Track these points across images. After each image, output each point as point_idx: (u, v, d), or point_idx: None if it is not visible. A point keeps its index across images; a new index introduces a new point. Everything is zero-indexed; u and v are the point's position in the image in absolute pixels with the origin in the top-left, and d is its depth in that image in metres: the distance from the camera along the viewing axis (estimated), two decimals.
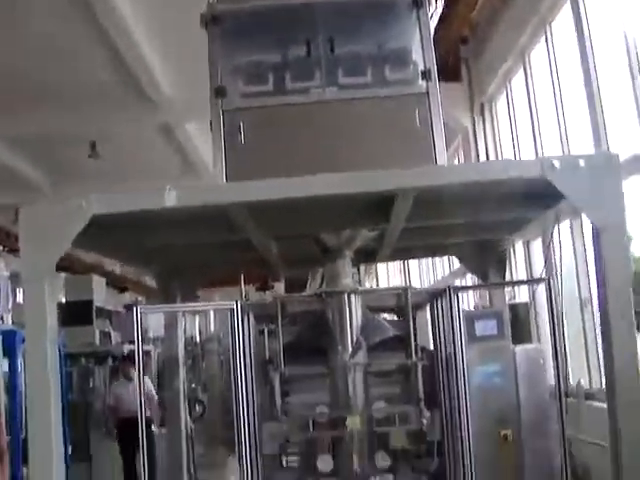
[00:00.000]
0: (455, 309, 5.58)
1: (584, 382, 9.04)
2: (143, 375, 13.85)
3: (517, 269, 11.02)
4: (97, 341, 20.62)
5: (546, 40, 10.56)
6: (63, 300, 20.59)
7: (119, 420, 15.69)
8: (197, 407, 11.40)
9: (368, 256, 7.22)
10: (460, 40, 13.79)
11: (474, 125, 13.76)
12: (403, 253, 7.64)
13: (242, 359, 5.81)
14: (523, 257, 10.82)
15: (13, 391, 10.19)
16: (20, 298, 12.35)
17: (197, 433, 11.03)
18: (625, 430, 4.64)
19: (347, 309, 6.08)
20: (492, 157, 13.24)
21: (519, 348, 6.58)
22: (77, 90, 14.96)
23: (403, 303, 6.31)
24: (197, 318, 22.06)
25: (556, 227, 7.48)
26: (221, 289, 15.43)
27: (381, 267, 24.07)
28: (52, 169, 20.62)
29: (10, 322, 11.99)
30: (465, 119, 13.90)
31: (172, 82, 15.14)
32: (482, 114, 13.71)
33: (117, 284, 29.72)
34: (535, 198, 5.60)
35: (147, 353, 18.19)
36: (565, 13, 9.91)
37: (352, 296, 6.10)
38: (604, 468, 7.75)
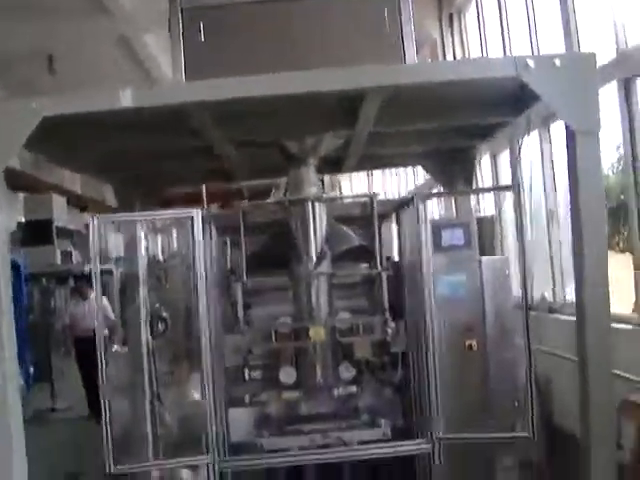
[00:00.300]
0: (422, 217, 5.41)
1: (548, 295, 9.01)
2: (101, 294, 13.65)
3: (484, 183, 10.87)
4: (58, 261, 20.34)
5: None
6: (23, 220, 20.20)
7: (75, 339, 15.60)
8: (160, 324, 11.24)
9: (334, 165, 7.02)
10: None
11: (442, 36, 13.46)
12: (369, 162, 7.42)
13: (204, 271, 5.63)
14: (490, 171, 10.67)
15: None
16: None
17: (160, 350, 10.91)
18: (591, 344, 4.54)
19: (311, 218, 5.88)
20: None
21: (485, 259, 6.49)
22: (32, 2, 14.35)
23: (369, 212, 6.15)
24: (160, 237, 21.81)
25: (525, 137, 7.39)
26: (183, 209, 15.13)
27: (345, 183, 23.89)
28: (7, 86, 19.95)
29: None
30: (434, 30, 13.58)
31: None
32: (451, 25, 13.41)
33: (78, 204, 29.26)
34: (507, 102, 5.40)
35: (109, 272, 17.93)
36: None
37: (316, 204, 5.91)
38: (565, 379, 7.83)
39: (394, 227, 6.97)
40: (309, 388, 5.98)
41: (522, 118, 5.73)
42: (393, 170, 16.22)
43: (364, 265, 6.32)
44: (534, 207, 9.04)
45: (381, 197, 6.44)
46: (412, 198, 5.66)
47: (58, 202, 21.18)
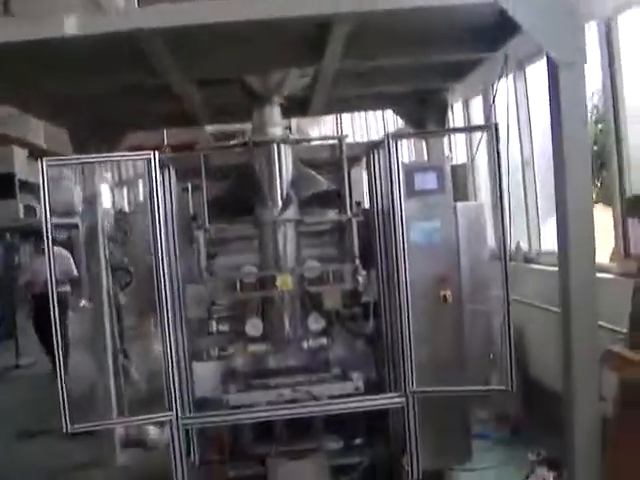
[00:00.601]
0: (394, 159, 5.09)
1: (523, 245, 8.75)
2: (65, 248, 13.24)
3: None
4: (21, 215, 19.82)
5: None
6: None
7: (32, 295, 15.18)
8: (124, 277, 10.89)
9: (300, 108, 6.67)
10: None
11: None
12: (337, 104, 7.06)
13: (163, 218, 5.28)
14: (462, 117, 10.34)
15: None
16: None
17: (125, 304, 10.61)
18: (576, 295, 4.26)
19: (276, 161, 5.57)
20: None
21: (460, 204, 6.18)
22: None
23: (337, 155, 5.83)
24: (126, 190, 21.42)
25: (501, 78, 7.02)
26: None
27: (313, 132, 23.40)
28: None
29: None
30: None
31: None
32: None
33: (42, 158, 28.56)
34: (484, 34, 5.08)
35: (75, 227, 17.51)
36: None
37: (282, 146, 5.58)
38: (540, 330, 7.61)
39: (364, 174, 6.64)
40: (277, 340, 5.70)
41: (499, 54, 5.38)
42: (362, 118, 15.74)
43: (333, 211, 6.00)
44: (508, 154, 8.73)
45: (350, 140, 6.08)
46: (383, 140, 5.33)
47: (19, 155, 20.53)
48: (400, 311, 5.13)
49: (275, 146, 5.55)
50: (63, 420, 4.78)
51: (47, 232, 4.93)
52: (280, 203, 5.56)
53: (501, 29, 4.74)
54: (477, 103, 9.92)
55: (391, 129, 13.16)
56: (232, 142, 5.79)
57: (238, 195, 5.91)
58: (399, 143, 5.27)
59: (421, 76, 6.28)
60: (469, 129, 8.17)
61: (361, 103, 7.34)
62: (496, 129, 5.00)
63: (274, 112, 5.66)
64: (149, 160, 4.88)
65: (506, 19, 4.35)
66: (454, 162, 9.41)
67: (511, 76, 8.36)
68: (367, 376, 5.77)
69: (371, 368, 5.93)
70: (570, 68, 4.25)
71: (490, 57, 5.75)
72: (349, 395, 5.43)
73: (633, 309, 5.12)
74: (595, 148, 7.54)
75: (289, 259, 5.62)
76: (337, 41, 4.64)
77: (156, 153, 4.89)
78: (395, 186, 5.11)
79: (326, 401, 5.32)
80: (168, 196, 5.72)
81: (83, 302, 14.08)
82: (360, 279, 5.63)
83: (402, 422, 5.29)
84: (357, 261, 5.68)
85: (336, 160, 5.86)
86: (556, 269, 7.69)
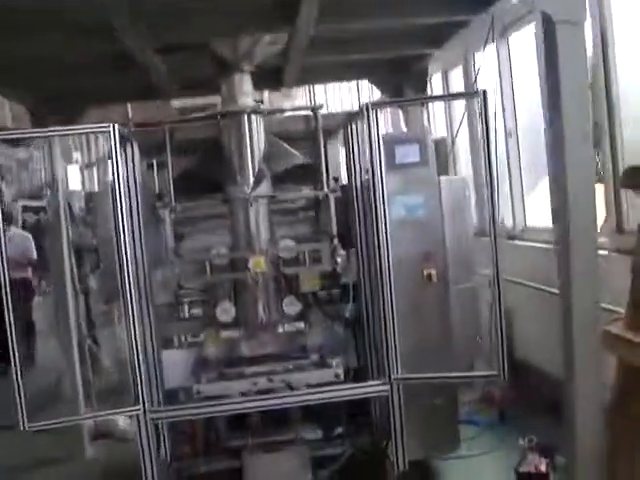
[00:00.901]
0: (374, 130, 4.71)
1: (507, 221, 8.41)
2: (28, 232, 12.74)
3: (434, 104, 10.18)
4: None
5: None
6: None
7: None
8: (89, 261, 10.46)
9: (272, 78, 6.27)
10: None
11: None
12: (311, 74, 6.65)
13: (127, 197, 4.90)
14: (441, 90, 9.94)
15: None
16: None
17: (95, 288, 10.23)
18: (577, 274, 3.91)
19: (247, 133, 5.19)
20: None
21: (444, 178, 5.84)
22: None
23: (313, 126, 5.45)
24: (95, 171, 20.92)
25: (485, 45, 6.65)
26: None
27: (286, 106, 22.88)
28: None
29: None
30: None
31: None
32: None
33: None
34: None
35: (43, 210, 17.03)
36: None
37: (253, 117, 5.20)
38: (526, 308, 7.30)
39: (342, 148, 6.25)
40: (250, 326, 5.34)
41: (481, 18, 5.01)
42: (336, 91, 15.26)
43: (309, 187, 5.62)
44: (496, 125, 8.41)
45: (326, 111, 5.68)
46: (362, 110, 4.94)
47: None
48: (382, 293, 4.79)
49: (245, 117, 5.18)
50: (20, 417, 4.42)
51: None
52: (252, 179, 5.18)
53: None
54: (457, 75, 9.57)
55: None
56: (200, 114, 5.38)
57: (207, 171, 5.52)
58: (379, 113, 4.89)
59: (400, 42, 5.92)
60: (456, 96, 7.77)
61: (336, 73, 6.94)
62: (485, 96, 4.66)
63: (244, 81, 5.27)
64: (109, 134, 4.48)
65: None
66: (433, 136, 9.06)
67: (493, 47, 8.01)
68: (347, 362, 5.44)
69: (352, 354, 5.60)
70: (568, 26, 3.88)
71: (472, 20, 5.38)
72: (328, 383, 5.08)
73: (634, 287, 4.80)
74: None
75: (262, 239, 5.25)
76: (311, 2, 4.24)
77: (116, 125, 4.49)
78: (375, 159, 4.74)
79: (304, 391, 4.97)
80: (132, 173, 5.31)
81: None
82: (339, 259, 5.29)
83: (386, 410, 4.97)
84: (335, 240, 5.34)
85: (311, 132, 5.47)
86: (542, 245, 7.52)
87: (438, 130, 10.11)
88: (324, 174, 5.42)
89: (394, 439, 4.95)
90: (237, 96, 5.22)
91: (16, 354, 4.49)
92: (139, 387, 4.55)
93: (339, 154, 6.10)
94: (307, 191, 5.58)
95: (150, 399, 4.85)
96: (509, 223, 8.39)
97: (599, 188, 6.67)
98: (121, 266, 4.56)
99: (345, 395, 4.96)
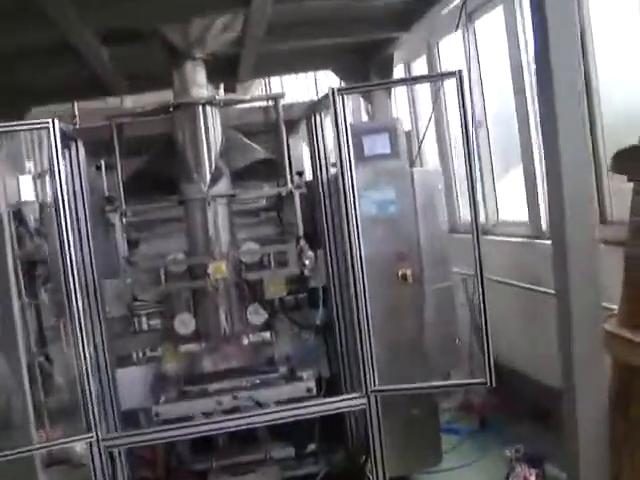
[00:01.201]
0: (341, 118, 4.29)
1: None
2: None
3: (397, 98, 9.78)
4: None
5: None
6: None
7: None
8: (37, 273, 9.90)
9: (228, 69, 5.81)
10: None
11: None
12: (269, 65, 6.19)
13: (72, 202, 4.43)
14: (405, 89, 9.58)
15: None
16: None
17: (44, 302, 9.68)
18: (575, 274, 3.50)
19: (203, 127, 4.75)
20: None
21: (417, 170, 5.42)
22: None
23: (274, 118, 5.01)
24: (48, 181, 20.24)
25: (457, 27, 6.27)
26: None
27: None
28: None
29: None
30: None
31: None
32: None
33: None
34: None
35: None
36: None
37: (208, 109, 4.75)
38: (503, 307, 6.91)
39: (305, 142, 5.82)
40: (212, 338, 4.92)
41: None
42: (295, 86, 14.74)
43: (271, 184, 5.17)
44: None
45: (287, 101, 5.25)
46: (326, 97, 4.51)
47: None
48: (355, 297, 4.36)
49: (200, 109, 4.74)
50: None
51: None
52: (209, 177, 4.72)
53: None
54: (420, 65, 9.19)
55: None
56: (149, 108, 4.91)
57: (160, 170, 5.06)
58: (345, 101, 4.46)
59: (364, 25, 5.50)
60: (431, 77, 7.32)
61: (296, 62, 6.49)
62: (461, 76, 4.25)
63: (197, 71, 4.84)
64: (48, 131, 3.98)
65: None
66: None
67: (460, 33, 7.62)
68: (320, 373, 5.01)
69: (324, 364, 5.19)
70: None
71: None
72: (300, 399, 4.63)
73: (628, 281, 4.42)
74: None
75: (223, 242, 4.81)
76: None
77: (56, 121, 4.00)
78: (344, 150, 4.30)
79: (273, 408, 4.51)
80: (77, 175, 4.84)
81: None
82: (306, 261, 4.85)
83: (362, 423, 4.55)
84: (302, 241, 4.91)
85: (272, 124, 5.04)
86: (518, 240, 7.15)
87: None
88: (287, 169, 4.99)
89: (373, 455, 4.52)
90: (190, 87, 4.79)
91: None
92: (90, 412, 4.06)
93: (303, 148, 5.66)
94: (270, 188, 5.14)
95: (105, 423, 4.35)
96: (481, 217, 8.01)
97: None
98: (66, 277, 4.07)
99: (318, 411, 4.51)
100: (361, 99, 7.08)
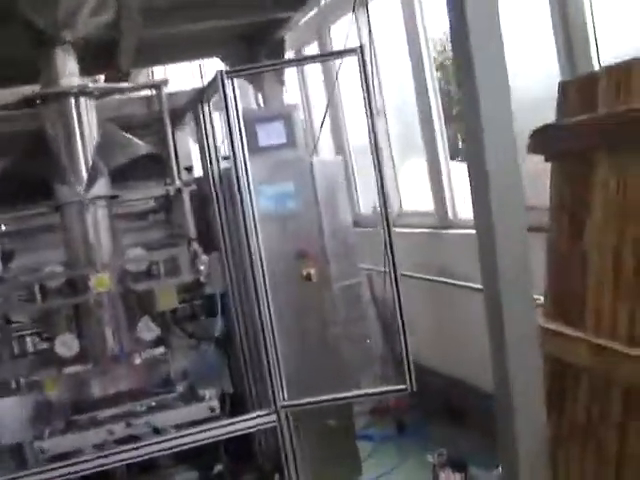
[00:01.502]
0: (231, 103, 3.82)
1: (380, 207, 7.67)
2: None
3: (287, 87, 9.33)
4: None
5: None
6: None
7: None
8: None
9: (105, 59, 5.23)
10: None
11: None
12: (152, 53, 5.60)
13: None
14: (295, 70, 9.12)
15: None
16: None
17: None
18: (506, 266, 3.12)
19: (76, 121, 4.19)
20: None
21: (317, 160, 4.99)
22: None
23: (157, 108, 4.50)
24: None
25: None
26: None
27: None
28: None
29: None
30: None
31: None
32: None
33: None
34: None
35: None
36: None
37: (82, 101, 4.20)
38: (413, 301, 6.57)
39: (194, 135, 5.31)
40: (99, 359, 4.32)
41: None
42: (179, 78, 14.01)
43: (157, 182, 4.65)
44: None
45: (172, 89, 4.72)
46: (215, 82, 4.04)
47: None
48: (257, 302, 3.92)
49: (72, 101, 4.18)
50: None
51: None
52: (85, 176, 4.18)
53: None
54: (312, 51, 8.78)
55: None
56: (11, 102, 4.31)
57: (31, 172, 4.44)
58: (235, 85, 3.98)
59: (249, 6, 5.03)
60: (330, 55, 6.88)
61: (181, 50, 5.94)
62: (362, 52, 3.85)
63: (68, 58, 4.26)
64: None
65: None
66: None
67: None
68: (223, 391, 4.52)
69: (226, 379, 4.69)
70: None
71: None
72: (203, 420, 4.14)
73: (552, 271, 4.11)
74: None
75: (105, 250, 4.25)
76: None
77: None
78: (236, 139, 3.88)
79: (173, 434, 4.01)
80: None
81: None
82: (201, 267, 4.34)
83: (273, 439, 4.12)
84: (195, 244, 4.40)
85: (155, 115, 4.51)
86: (421, 230, 6.84)
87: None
88: (174, 165, 4.48)
89: (287, 474, 4.10)
90: (60, 76, 4.21)
91: None
92: None
93: (191, 142, 5.16)
94: (155, 188, 4.61)
95: None
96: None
97: None
98: None
99: (224, 433, 4.04)
100: (250, 88, 6.59)
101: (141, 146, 4.53)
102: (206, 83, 4.62)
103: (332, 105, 7.86)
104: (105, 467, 3.93)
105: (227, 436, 4.06)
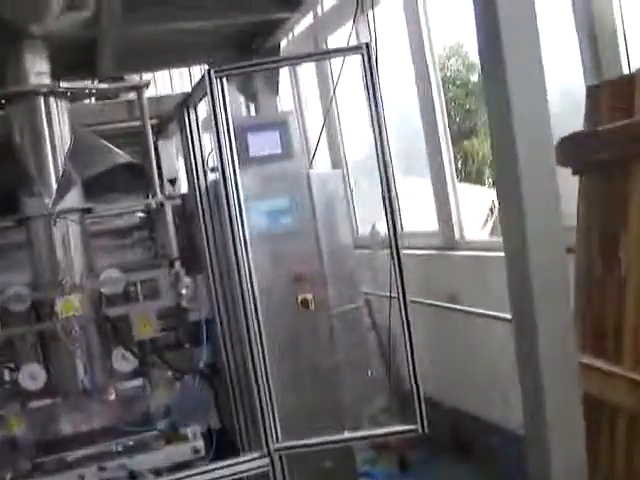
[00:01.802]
0: (219, 105, 3.39)
1: (379, 227, 7.29)
2: None
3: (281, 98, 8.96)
4: None
5: None
6: None
7: None
8: None
9: (84, 63, 4.83)
10: None
11: None
12: (134, 58, 5.17)
13: None
14: (289, 83, 8.76)
15: None
16: None
17: None
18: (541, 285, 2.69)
19: (45, 124, 3.75)
20: None
21: (314, 173, 4.58)
22: None
23: (138, 113, 4.06)
24: None
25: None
26: None
27: None
28: None
29: None
30: None
31: None
32: None
33: None
34: None
35: None
36: None
37: (52, 101, 3.77)
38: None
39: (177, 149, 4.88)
40: (69, 393, 3.86)
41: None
42: (167, 87, 13.55)
43: (138, 195, 4.21)
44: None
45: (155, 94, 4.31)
46: (201, 84, 3.61)
47: None
48: (248, 332, 3.47)
49: (42, 102, 3.74)
50: None
51: None
52: (54, 188, 3.73)
53: None
54: (307, 65, 8.42)
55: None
56: None
57: None
58: (225, 86, 3.54)
59: (242, 7, 4.62)
60: (332, 52, 6.54)
61: (169, 56, 5.50)
62: (369, 51, 3.43)
63: (38, 56, 3.82)
64: None
65: None
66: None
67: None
68: (209, 429, 4.06)
69: (213, 417, 4.21)
70: None
71: None
72: (186, 463, 3.68)
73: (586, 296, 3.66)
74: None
75: (76, 271, 3.78)
76: None
77: None
78: (224, 147, 3.43)
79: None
80: None
81: None
82: (183, 290, 3.88)
83: None
84: (177, 265, 3.94)
85: (135, 120, 4.08)
86: (425, 252, 6.44)
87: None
88: (156, 176, 4.03)
89: None
90: (27, 74, 3.77)
91: None
92: None
93: (176, 152, 4.73)
94: (134, 201, 4.16)
95: None
96: (382, 229, 7.28)
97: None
98: None
99: (210, 479, 3.56)
100: (241, 98, 6.17)
101: (119, 154, 4.08)
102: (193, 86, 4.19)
103: (328, 115, 7.48)
104: None
105: None
